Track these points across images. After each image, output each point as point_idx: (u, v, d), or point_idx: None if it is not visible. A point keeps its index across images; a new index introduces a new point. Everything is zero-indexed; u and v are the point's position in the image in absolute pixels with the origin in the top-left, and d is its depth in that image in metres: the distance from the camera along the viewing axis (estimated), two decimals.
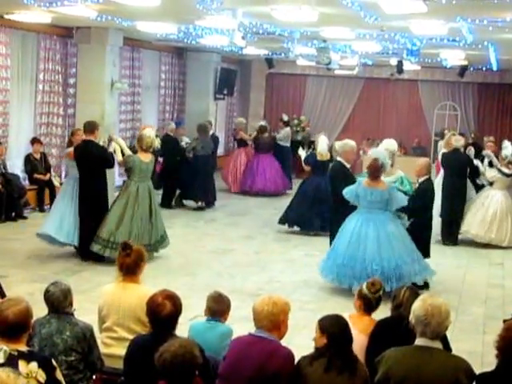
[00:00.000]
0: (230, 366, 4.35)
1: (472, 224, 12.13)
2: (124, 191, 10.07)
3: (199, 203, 14.65)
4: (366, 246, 8.54)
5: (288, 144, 18.21)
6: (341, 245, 8.74)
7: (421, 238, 9.08)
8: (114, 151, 10.04)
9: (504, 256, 11.65)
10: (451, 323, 4.14)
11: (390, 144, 9.77)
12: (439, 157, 13.41)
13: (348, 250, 8.65)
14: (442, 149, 13.61)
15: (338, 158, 9.54)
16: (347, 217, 8.90)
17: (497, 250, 11.90)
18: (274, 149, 17.48)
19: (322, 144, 12.50)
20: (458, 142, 12.61)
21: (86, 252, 9.85)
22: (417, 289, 5.27)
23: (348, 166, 9.44)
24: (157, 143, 10.85)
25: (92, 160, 9.71)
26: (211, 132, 16.03)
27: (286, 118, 19.27)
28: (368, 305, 5.36)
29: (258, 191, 16.78)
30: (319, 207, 12.01)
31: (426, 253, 9.22)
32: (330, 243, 9.45)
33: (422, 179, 9.26)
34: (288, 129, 18.75)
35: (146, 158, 10.03)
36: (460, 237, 12.28)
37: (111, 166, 10.16)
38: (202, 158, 14.57)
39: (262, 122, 18.16)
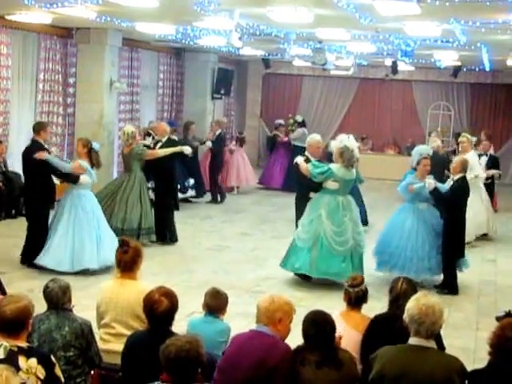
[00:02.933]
0: (229, 359, 4.42)
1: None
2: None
3: None
4: (401, 235, 9.37)
5: (304, 144, 18.11)
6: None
7: (454, 237, 9.12)
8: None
9: (496, 252, 11.76)
10: (444, 321, 4.18)
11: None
12: None
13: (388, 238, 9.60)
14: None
15: (306, 152, 9.75)
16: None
17: (489, 247, 11.99)
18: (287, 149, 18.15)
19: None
20: (434, 142, 12.50)
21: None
22: (413, 281, 5.29)
23: (313, 159, 9.56)
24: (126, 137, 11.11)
25: (31, 162, 9.08)
26: (219, 131, 16.04)
27: (300, 118, 19.37)
28: (350, 299, 5.39)
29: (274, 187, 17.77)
30: None
31: (460, 252, 9.24)
32: (296, 227, 9.75)
33: (456, 177, 9.20)
34: (301, 129, 18.60)
35: (126, 150, 11.08)
36: None
37: (55, 172, 9.24)
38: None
39: (280, 121, 18.94)
